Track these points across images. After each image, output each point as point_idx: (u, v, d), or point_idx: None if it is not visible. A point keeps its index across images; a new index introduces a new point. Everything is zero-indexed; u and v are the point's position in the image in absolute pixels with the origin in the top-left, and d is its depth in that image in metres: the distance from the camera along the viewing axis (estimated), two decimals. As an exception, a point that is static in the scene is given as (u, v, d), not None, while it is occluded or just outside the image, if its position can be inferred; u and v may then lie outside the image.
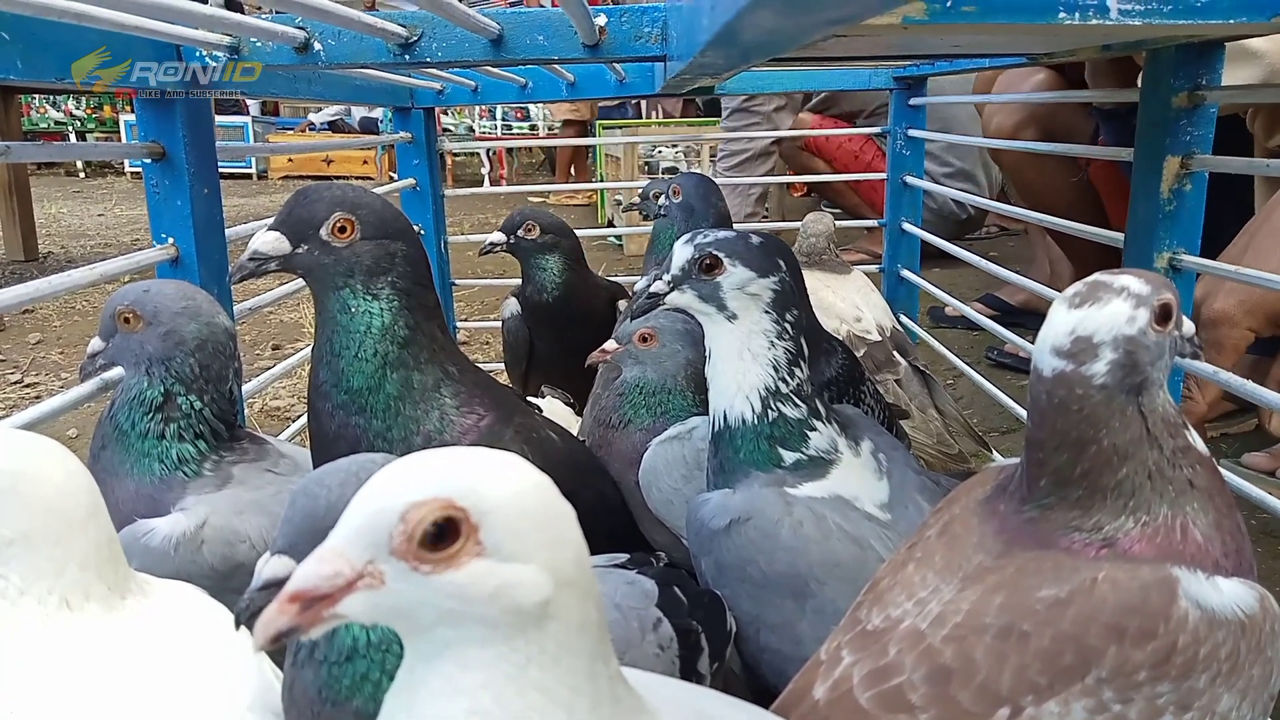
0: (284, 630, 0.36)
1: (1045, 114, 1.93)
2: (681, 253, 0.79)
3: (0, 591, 0.51)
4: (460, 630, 0.37)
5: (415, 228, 1.69)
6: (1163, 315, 0.53)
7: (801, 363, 0.79)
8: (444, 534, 0.36)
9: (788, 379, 0.78)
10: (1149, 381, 0.53)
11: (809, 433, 0.78)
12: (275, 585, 0.48)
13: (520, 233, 1.35)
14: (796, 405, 0.78)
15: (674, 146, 4.05)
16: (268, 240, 0.74)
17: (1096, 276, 0.54)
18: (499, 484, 0.37)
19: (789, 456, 0.78)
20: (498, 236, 1.36)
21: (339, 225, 0.74)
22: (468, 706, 0.37)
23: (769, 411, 0.78)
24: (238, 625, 0.49)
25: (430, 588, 0.36)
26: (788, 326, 0.78)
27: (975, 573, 0.55)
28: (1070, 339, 0.52)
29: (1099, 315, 0.52)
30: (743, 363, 0.78)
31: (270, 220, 0.76)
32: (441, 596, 0.36)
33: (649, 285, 0.81)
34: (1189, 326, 0.57)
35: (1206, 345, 0.99)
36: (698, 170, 4.05)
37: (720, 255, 0.77)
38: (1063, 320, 0.53)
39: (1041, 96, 1.86)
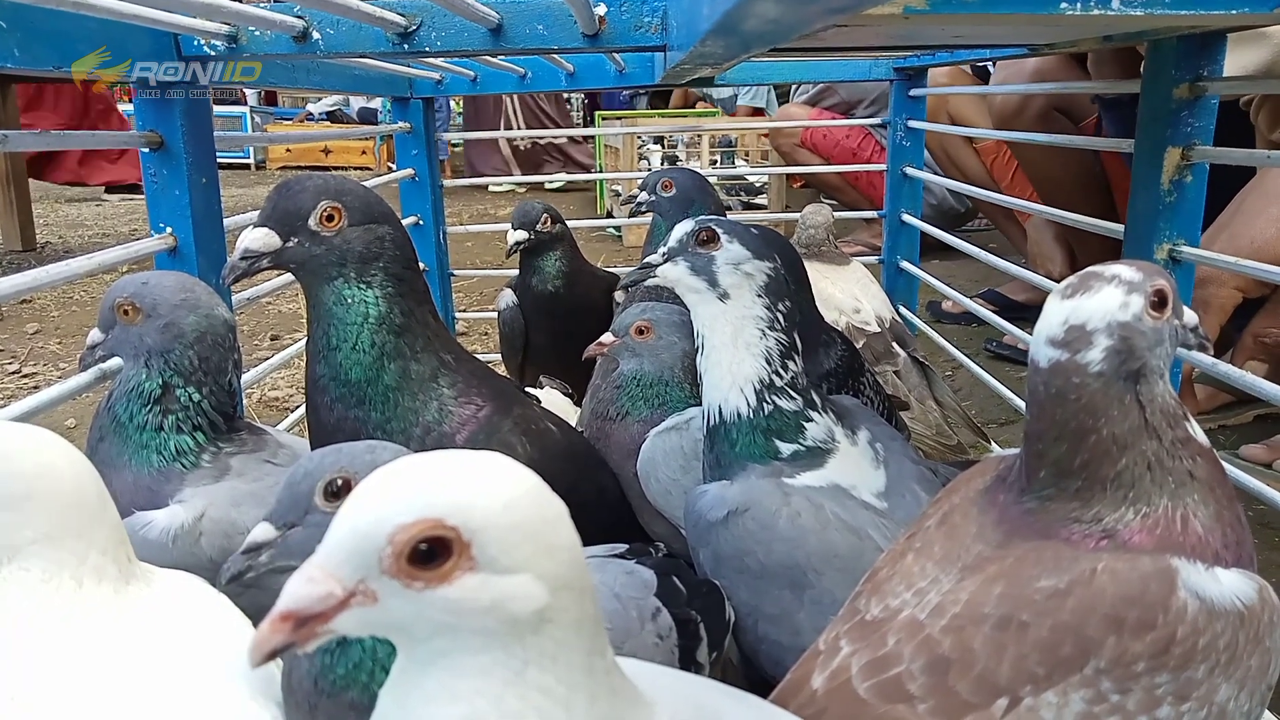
0: (279, 648, 0.36)
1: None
2: (681, 227, 0.79)
3: (19, 580, 0.51)
4: (456, 640, 0.37)
5: (414, 218, 1.71)
6: (1158, 301, 0.53)
7: (795, 356, 0.79)
8: (435, 552, 0.36)
9: (781, 372, 0.78)
10: (1147, 369, 0.53)
11: (805, 424, 0.78)
12: (256, 549, 0.53)
13: (539, 227, 1.35)
14: (791, 398, 0.78)
15: (657, 143, 4.05)
16: (257, 237, 0.73)
17: (1089, 268, 0.54)
18: (488, 498, 0.37)
19: (785, 448, 0.78)
20: (521, 235, 1.34)
21: (326, 214, 0.73)
22: (464, 711, 0.37)
23: (764, 405, 0.77)
24: (220, 587, 0.51)
25: (424, 603, 0.36)
26: (779, 316, 0.78)
27: (974, 563, 0.55)
28: (1064, 328, 0.52)
29: (1091, 303, 0.52)
30: (736, 352, 0.78)
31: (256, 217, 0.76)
32: (436, 611, 0.36)
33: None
34: (1191, 317, 0.56)
35: (1194, 304, 1.00)
36: (698, 162, 4.04)
37: (718, 229, 0.78)
38: (1056, 311, 0.53)
39: (1044, 88, 1.87)
